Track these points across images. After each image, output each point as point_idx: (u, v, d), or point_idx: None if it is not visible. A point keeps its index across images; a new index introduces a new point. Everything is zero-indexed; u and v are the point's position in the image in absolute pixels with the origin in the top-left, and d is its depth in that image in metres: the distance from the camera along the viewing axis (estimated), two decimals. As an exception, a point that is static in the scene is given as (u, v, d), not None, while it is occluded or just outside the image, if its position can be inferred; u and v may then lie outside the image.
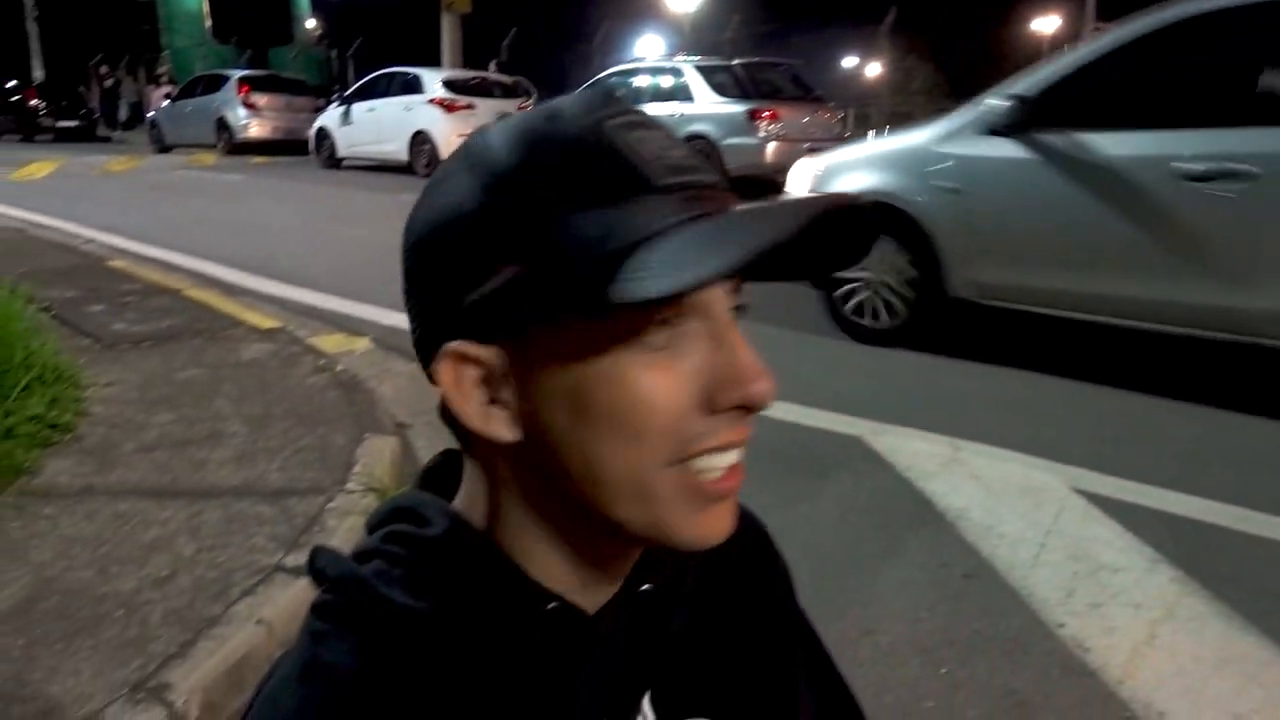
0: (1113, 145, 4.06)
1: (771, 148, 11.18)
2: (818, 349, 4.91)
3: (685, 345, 0.52)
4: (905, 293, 4.84)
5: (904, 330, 4.90)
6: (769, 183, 9.73)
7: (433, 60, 17.25)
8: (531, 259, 0.50)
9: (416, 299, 0.56)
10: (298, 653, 0.55)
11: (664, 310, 0.51)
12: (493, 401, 0.54)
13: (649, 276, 0.47)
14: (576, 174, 0.51)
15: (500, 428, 0.54)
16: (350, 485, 2.98)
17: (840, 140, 11.03)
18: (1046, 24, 30.37)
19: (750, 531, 0.73)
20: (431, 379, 0.56)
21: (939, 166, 4.62)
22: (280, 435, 3.40)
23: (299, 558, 2.50)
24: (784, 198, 0.56)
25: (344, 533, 2.66)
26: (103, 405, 3.66)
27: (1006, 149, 4.38)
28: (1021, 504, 3.11)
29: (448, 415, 0.58)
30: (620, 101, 0.55)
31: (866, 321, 5.03)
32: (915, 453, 3.53)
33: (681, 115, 11.71)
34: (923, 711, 2.14)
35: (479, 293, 0.52)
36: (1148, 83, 4.26)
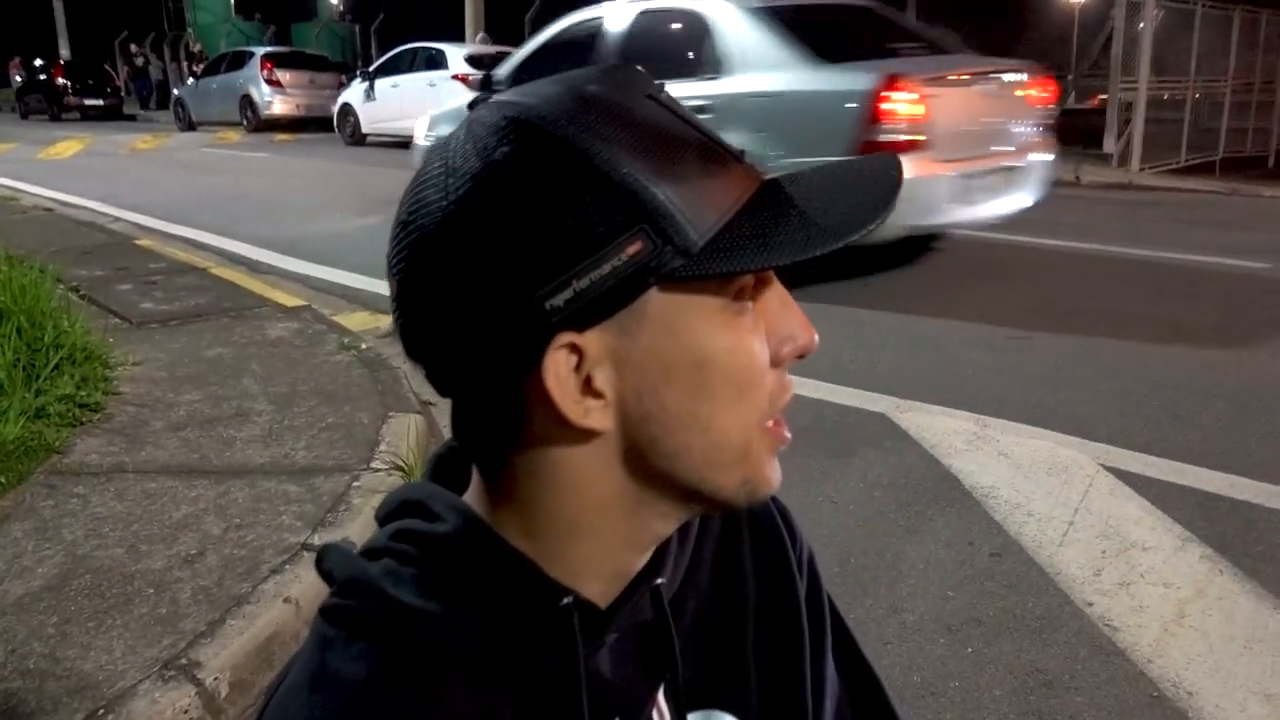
0: None
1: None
2: (842, 322, 4.87)
3: (762, 303, 0.55)
4: None
5: None
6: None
7: (456, 35, 17.18)
8: (652, 233, 0.49)
9: (474, 300, 0.50)
10: (306, 658, 0.54)
11: (763, 272, 0.54)
12: (584, 392, 0.52)
13: (769, 245, 0.50)
14: (666, 148, 0.50)
15: (597, 419, 0.52)
16: (376, 464, 3.00)
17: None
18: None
19: (765, 518, 0.72)
20: (447, 388, 0.54)
21: None
22: (306, 414, 3.42)
23: (326, 536, 2.52)
24: (860, 160, 0.57)
25: (369, 512, 2.68)
26: (131, 384, 3.70)
27: None
28: (1049, 481, 3.08)
29: (470, 426, 0.56)
30: (647, 76, 0.54)
31: None
32: (942, 429, 3.51)
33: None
34: (949, 691, 2.13)
35: (591, 276, 0.48)
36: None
